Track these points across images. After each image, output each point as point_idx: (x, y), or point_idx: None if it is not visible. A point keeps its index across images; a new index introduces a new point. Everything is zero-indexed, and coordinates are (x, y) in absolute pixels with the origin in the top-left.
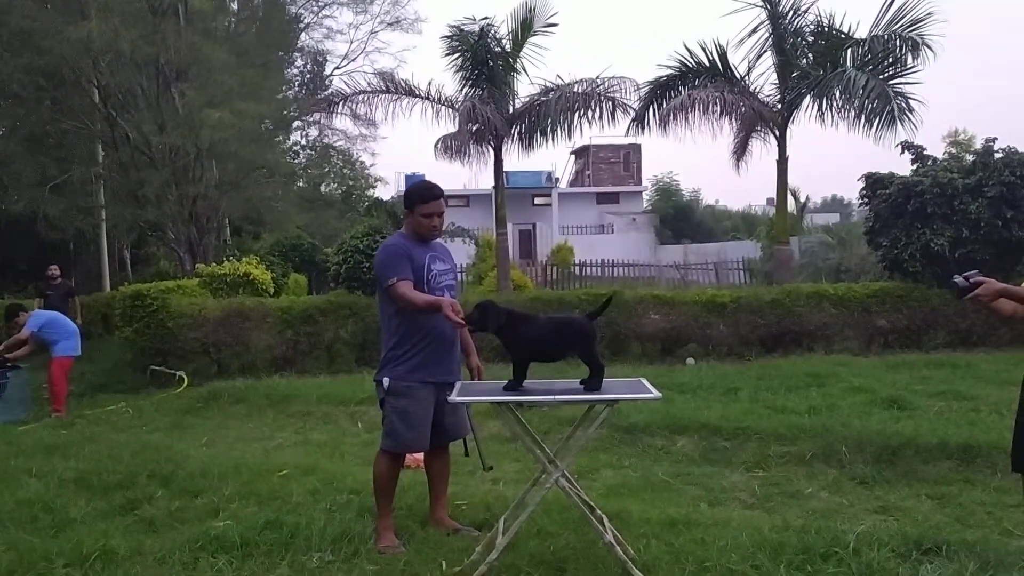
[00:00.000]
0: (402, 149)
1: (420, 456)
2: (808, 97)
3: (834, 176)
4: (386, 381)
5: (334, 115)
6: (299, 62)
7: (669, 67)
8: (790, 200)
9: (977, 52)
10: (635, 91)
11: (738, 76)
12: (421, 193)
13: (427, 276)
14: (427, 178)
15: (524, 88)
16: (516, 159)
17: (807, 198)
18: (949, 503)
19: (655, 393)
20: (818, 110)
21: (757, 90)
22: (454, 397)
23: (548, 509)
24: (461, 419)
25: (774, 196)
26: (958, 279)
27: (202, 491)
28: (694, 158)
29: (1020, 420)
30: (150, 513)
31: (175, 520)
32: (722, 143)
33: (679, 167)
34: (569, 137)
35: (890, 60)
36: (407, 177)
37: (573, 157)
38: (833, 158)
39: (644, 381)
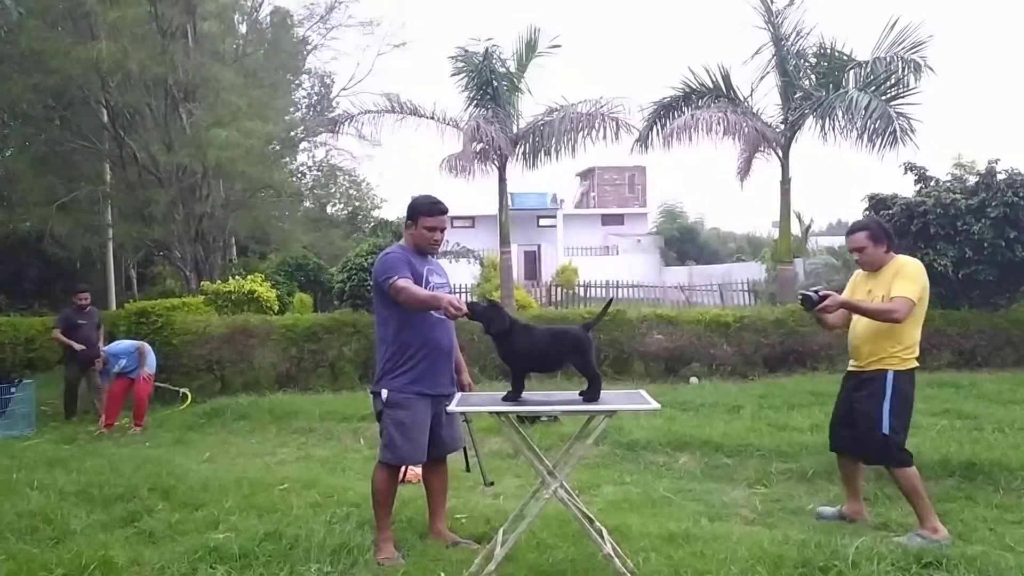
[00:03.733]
0: (408, 170)
1: (420, 470)
2: (811, 117)
3: (840, 202)
4: (384, 393)
5: (340, 135)
6: (307, 83)
7: (673, 88)
8: (794, 222)
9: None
10: (639, 111)
11: (741, 97)
12: (427, 207)
13: (424, 288)
14: None
15: (528, 108)
16: (520, 178)
17: (811, 221)
18: (951, 519)
19: (653, 404)
20: (821, 130)
21: (760, 111)
22: (453, 407)
23: (547, 522)
24: (457, 431)
25: (778, 218)
26: (810, 294)
27: (202, 504)
28: (699, 181)
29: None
30: (150, 525)
31: (175, 532)
32: (727, 169)
33: (684, 190)
34: (573, 157)
35: (892, 81)
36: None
37: (578, 179)
38: (839, 184)
39: (643, 393)
